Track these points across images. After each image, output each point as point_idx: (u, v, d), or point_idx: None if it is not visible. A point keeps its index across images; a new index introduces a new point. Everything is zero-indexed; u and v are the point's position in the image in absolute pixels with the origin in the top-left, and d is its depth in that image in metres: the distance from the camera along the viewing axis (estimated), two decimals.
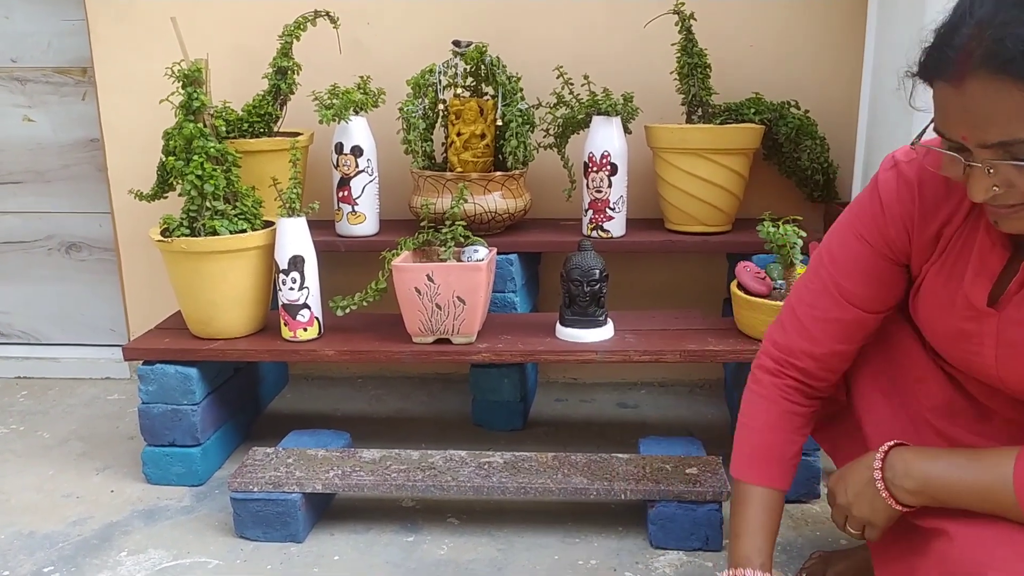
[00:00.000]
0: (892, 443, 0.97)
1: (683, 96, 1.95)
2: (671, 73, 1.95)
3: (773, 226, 1.58)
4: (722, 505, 1.46)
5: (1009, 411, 1.00)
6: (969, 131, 0.78)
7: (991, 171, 0.79)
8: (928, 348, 1.06)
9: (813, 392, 1.11)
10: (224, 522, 1.58)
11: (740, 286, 1.62)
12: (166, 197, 1.81)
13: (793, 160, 1.98)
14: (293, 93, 1.98)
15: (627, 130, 1.92)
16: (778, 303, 1.56)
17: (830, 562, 1.32)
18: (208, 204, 1.66)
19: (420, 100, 1.91)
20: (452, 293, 1.60)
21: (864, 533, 1.00)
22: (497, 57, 1.90)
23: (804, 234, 1.58)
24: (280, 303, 1.69)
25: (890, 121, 1.67)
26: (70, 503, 1.68)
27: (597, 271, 1.66)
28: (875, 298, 1.03)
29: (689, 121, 1.96)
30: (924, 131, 0.87)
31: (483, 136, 1.92)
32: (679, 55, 1.92)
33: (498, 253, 1.81)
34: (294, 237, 1.64)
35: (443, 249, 1.69)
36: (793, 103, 1.98)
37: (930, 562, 0.94)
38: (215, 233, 1.65)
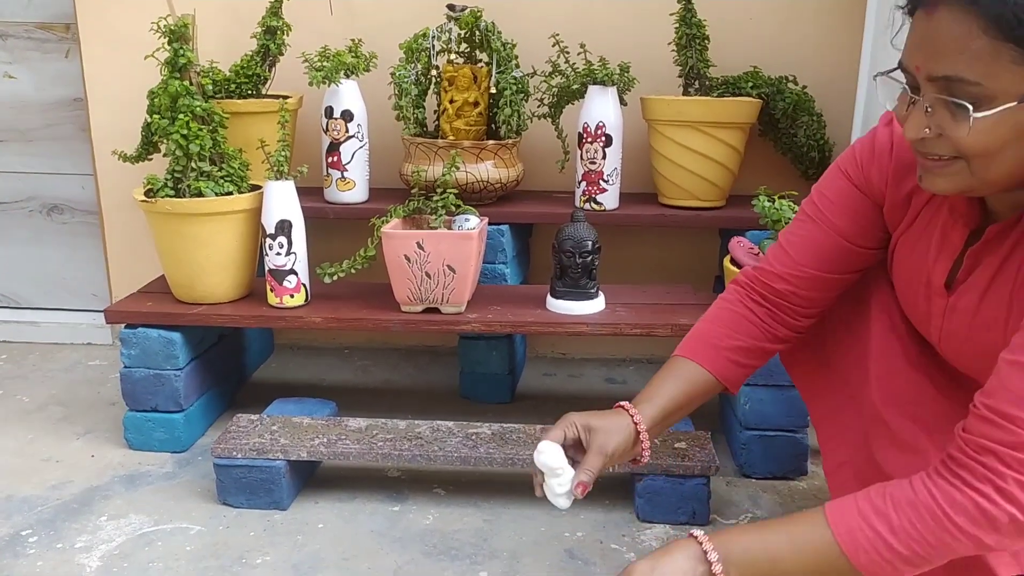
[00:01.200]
0: (701, 531, 0.87)
1: (680, 68, 1.92)
2: (669, 44, 1.92)
3: (768, 200, 1.56)
4: (709, 480, 1.45)
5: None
6: (923, 60, 0.78)
7: (929, 109, 0.79)
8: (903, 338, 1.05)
9: (776, 311, 1.08)
10: (207, 488, 1.56)
11: (733, 261, 1.60)
12: (151, 159, 1.77)
13: (789, 136, 1.96)
14: (282, 54, 1.93)
15: (623, 102, 1.89)
16: None
17: None
18: (193, 165, 1.62)
19: (413, 65, 1.87)
20: (442, 261, 1.58)
21: None
22: (492, 23, 1.86)
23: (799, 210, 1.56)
24: (267, 268, 1.66)
25: None
26: (50, 467, 1.66)
27: (590, 243, 1.63)
28: (854, 232, 1.02)
29: (686, 93, 1.94)
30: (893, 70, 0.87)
31: (476, 104, 1.88)
32: (677, 25, 1.89)
33: (489, 223, 1.78)
34: (282, 201, 1.61)
35: (434, 217, 1.66)
36: (791, 78, 1.96)
37: None
38: (200, 195, 1.61)
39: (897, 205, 0.99)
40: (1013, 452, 0.74)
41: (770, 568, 0.83)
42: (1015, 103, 0.75)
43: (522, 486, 1.58)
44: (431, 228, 1.64)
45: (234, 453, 1.48)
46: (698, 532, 0.86)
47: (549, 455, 0.99)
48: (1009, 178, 0.80)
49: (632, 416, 1.03)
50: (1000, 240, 0.88)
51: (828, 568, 0.82)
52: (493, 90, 1.86)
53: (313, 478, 1.60)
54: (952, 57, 0.75)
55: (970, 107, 0.75)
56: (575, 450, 1.03)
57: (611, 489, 1.57)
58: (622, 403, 1.05)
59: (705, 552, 0.84)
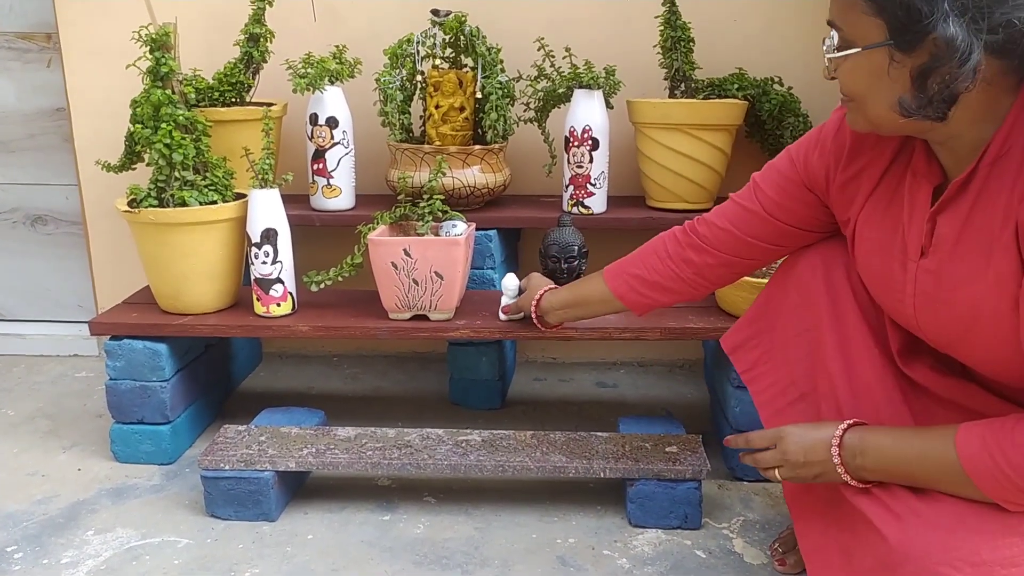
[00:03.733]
0: (851, 421, 1.01)
1: (666, 70, 1.92)
2: (654, 47, 1.92)
3: None
4: (701, 484, 1.44)
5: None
6: (830, 9, 0.91)
7: (825, 51, 0.91)
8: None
9: (689, 251, 1.23)
10: (195, 501, 1.54)
11: None
12: (134, 168, 1.75)
13: (776, 137, 1.96)
14: (266, 61, 1.92)
15: (609, 105, 1.88)
16: (760, 280, 1.54)
17: None
18: (177, 174, 1.61)
19: (397, 71, 1.86)
20: (430, 268, 1.57)
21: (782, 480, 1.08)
22: (477, 27, 1.86)
23: None
24: (252, 277, 1.64)
25: None
26: (35, 481, 1.64)
27: (576, 247, 1.63)
28: (777, 205, 1.13)
29: (672, 96, 1.94)
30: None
31: (462, 109, 1.88)
32: (662, 28, 1.89)
33: (477, 229, 1.78)
34: (267, 209, 1.60)
35: (420, 223, 1.65)
36: (777, 80, 1.96)
37: (865, 547, 0.96)
38: (184, 204, 1.60)
39: (848, 183, 1.05)
40: None
41: (896, 468, 0.96)
42: (859, 49, 0.87)
43: (513, 493, 1.57)
44: (418, 235, 1.63)
45: (221, 465, 1.46)
46: (848, 421, 1.01)
47: (509, 279, 1.58)
48: (891, 120, 0.88)
49: (543, 291, 1.46)
50: (959, 196, 0.91)
51: (951, 483, 0.91)
52: (479, 95, 1.86)
53: (302, 488, 1.59)
54: (835, 6, 0.89)
55: (834, 49, 0.89)
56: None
57: (603, 494, 1.56)
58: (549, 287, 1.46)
59: (843, 435, 0.99)
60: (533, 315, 1.49)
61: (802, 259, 1.15)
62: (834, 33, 0.89)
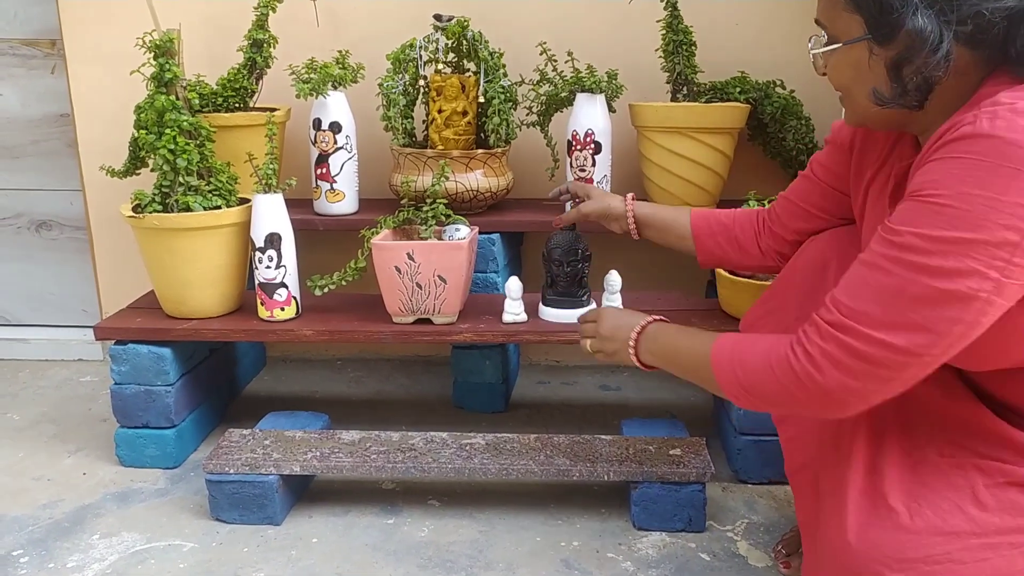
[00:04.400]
0: (659, 317, 1.14)
1: (668, 74, 1.93)
2: (656, 51, 1.92)
3: (759, 204, 1.56)
4: (705, 486, 1.44)
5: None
6: (817, 7, 0.95)
7: (810, 48, 0.96)
8: None
9: (767, 222, 1.30)
10: (200, 505, 1.54)
11: None
12: (139, 174, 1.76)
13: (778, 140, 1.96)
14: (269, 67, 1.93)
15: (611, 108, 1.89)
16: (762, 282, 1.54)
17: None
18: (181, 179, 1.61)
19: (400, 76, 1.87)
20: (433, 272, 1.57)
21: (595, 355, 1.22)
22: (479, 32, 1.86)
23: None
24: (256, 282, 1.65)
25: None
26: (41, 486, 1.64)
27: (579, 251, 1.63)
28: (824, 171, 1.20)
29: (674, 99, 1.94)
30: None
31: (465, 113, 1.88)
32: (664, 32, 1.89)
33: (480, 232, 1.78)
34: (270, 214, 1.60)
35: (424, 228, 1.65)
36: (779, 83, 1.96)
37: (824, 532, 0.96)
38: (188, 209, 1.60)
39: (857, 172, 1.11)
40: (828, 327, 0.85)
41: (669, 356, 1.08)
42: (840, 44, 0.91)
43: (517, 496, 1.57)
44: (421, 239, 1.64)
45: (226, 468, 1.47)
46: (653, 317, 1.14)
47: (512, 282, 1.62)
48: (873, 111, 0.91)
49: (627, 200, 1.45)
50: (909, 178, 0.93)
51: (703, 376, 1.00)
52: (481, 99, 1.86)
53: (307, 492, 1.59)
54: (820, 5, 0.93)
55: (820, 45, 0.94)
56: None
57: (607, 497, 1.56)
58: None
59: (647, 325, 1.13)
60: (631, 215, 1.44)
61: (814, 243, 1.20)
62: (822, 32, 0.94)
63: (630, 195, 1.46)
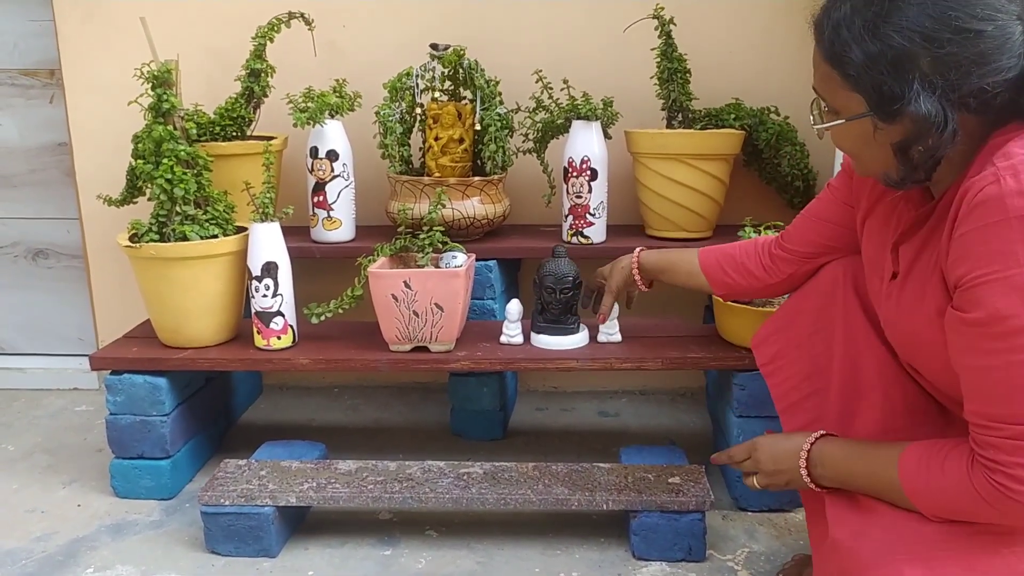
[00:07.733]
0: (820, 433, 1.09)
1: (663, 101, 1.94)
2: (651, 78, 1.94)
3: (755, 231, 1.56)
4: (705, 515, 1.43)
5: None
6: (814, 76, 0.95)
7: (811, 122, 0.97)
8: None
9: (774, 247, 1.31)
10: (195, 537, 1.53)
11: None
12: (136, 202, 1.76)
13: (773, 166, 1.97)
14: (266, 96, 1.94)
15: (607, 135, 1.90)
16: (760, 309, 1.54)
17: (806, 564, 1.33)
18: (178, 209, 1.62)
19: (397, 104, 1.88)
20: (430, 300, 1.57)
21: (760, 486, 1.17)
22: (475, 60, 1.88)
23: None
24: (253, 311, 1.64)
25: None
26: (34, 518, 1.63)
27: (570, 278, 1.63)
28: (845, 187, 1.18)
29: (669, 126, 1.95)
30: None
31: (461, 140, 1.89)
32: (659, 60, 1.91)
33: (477, 259, 1.78)
34: (267, 242, 1.60)
35: (421, 255, 1.65)
36: (773, 109, 1.98)
37: (828, 543, 1.01)
38: (185, 239, 1.60)
39: (857, 198, 1.13)
40: (1010, 442, 0.83)
41: (846, 479, 1.03)
42: (843, 121, 0.91)
43: (515, 526, 1.56)
44: (418, 266, 1.64)
45: (221, 500, 1.45)
46: (817, 433, 1.09)
47: (513, 304, 1.66)
48: (884, 173, 0.92)
49: (634, 254, 1.54)
50: (917, 230, 0.96)
51: (893, 498, 0.96)
52: (478, 127, 1.87)
53: (303, 523, 1.57)
54: (817, 76, 0.93)
55: (820, 119, 0.94)
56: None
57: (606, 527, 1.55)
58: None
59: (811, 447, 1.07)
60: (635, 266, 1.53)
61: (825, 268, 1.22)
62: (822, 100, 0.94)
63: (637, 249, 1.55)
